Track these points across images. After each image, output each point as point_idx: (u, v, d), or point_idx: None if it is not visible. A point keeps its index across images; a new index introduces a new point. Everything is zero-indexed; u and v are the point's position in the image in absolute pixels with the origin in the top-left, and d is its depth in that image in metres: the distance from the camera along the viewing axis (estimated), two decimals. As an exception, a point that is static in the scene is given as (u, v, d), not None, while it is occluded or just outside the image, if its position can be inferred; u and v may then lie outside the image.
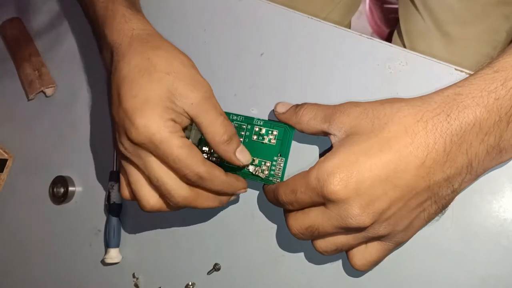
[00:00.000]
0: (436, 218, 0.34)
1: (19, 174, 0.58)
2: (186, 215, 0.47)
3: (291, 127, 0.38)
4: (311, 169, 0.33)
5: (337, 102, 0.35)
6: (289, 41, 0.43)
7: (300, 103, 0.38)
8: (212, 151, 0.41)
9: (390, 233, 0.33)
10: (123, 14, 0.40)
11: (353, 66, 0.40)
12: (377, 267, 0.36)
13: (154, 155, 0.35)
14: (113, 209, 0.49)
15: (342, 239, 0.34)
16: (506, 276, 0.35)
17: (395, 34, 0.65)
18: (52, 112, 0.57)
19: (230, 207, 0.45)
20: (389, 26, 1.33)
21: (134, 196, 0.39)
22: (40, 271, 0.55)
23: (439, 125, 0.30)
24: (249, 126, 0.40)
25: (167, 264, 0.47)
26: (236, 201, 0.44)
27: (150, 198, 0.38)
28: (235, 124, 0.41)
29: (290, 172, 0.38)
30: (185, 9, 0.49)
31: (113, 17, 0.39)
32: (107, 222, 0.50)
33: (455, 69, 0.37)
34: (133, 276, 0.49)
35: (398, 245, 0.35)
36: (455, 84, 0.32)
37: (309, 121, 0.36)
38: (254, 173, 0.39)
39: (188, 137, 0.40)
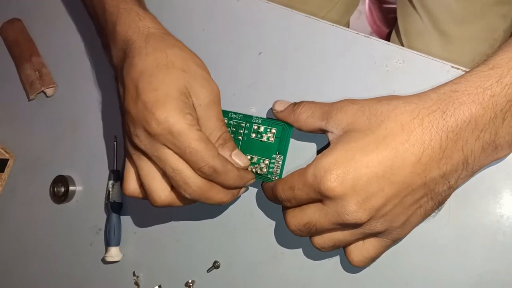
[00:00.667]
0: (433, 214, 0.35)
1: (20, 173, 0.58)
2: (186, 213, 0.47)
3: (289, 125, 0.38)
4: (308, 166, 0.33)
5: (335, 100, 0.36)
6: (287, 40, 0.44)
7: (298, 102, 0.38)
8: None
9: (387, 230, 0.33)
10: (137, 12, 0.40)
11: (350, 64, 0.41)
12: (374, 263, 0.36)
13: (171, 148, 0.36)
14: (113, 207, 0.50)
15: (339, 235, 0.34)
16: (503, 272, 0.35)
17: (393, 33, 0.66)
18: (53, 112, 0.57)
19: (229, 205, 0.45)
20: (388, 26, 1.34)
21: (144, 191, 0.39)
22: (41, 270, 0.55)
23: (435, 122, 0.31)
24: (247, 124, 0.40)
25: (167, 262, 0.48)
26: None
27: (162, 192, 0.38)
28: (234, 122, 0.41)
29: (288, 169, 0.38)
30: (184, 8, 0.49)
31: (127, 15, 0.40)
32: (107, 220, 0.50)
33: (452, 66, 0.37)
34: (134, 274, 0.49)
35: (395, 241, 0.35)
36: (451, 81, 0.32)
37: (307, 119, 0.36)
38: (253, 171, 0.39)
39: None
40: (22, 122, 0.59)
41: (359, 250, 0.35)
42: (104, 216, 0.52)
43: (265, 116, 0.43)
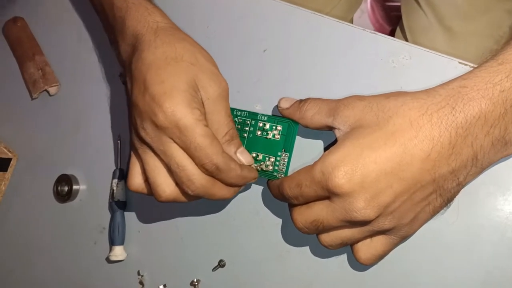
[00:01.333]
0: (441, 211, 0.34)
1: (23, 173, 0.58)
2: (191, 211, 0.47)
3: (295, 122, 0.38)
4: (316, 162, 0.33)
5: (341, 97, 0.35)
6: (292, 37, 0.43)
7: (303, 98, 0.38)
8: None
9: (395, 227, 0.33)
10: (146, 7, 0.40)
11: (356, 61, 0.40)
12: (382, 261, 0.36)
13: (176, 142, 0.35)
14: (117, 206, 0.50)
15: (347, 233, 0.34)
16: (511, 269, 0.35)
17: (398, 30, 0.65)
18: (56, 111, 0.57)
19: (235, 203, 0.45)
20: (391, 24, 1.33)
21: (149, 186, 0.39)
22: (45, 269, 0.55)
23: (444, 118, 0.30)
24: (253, 122, 0.40)
25: (172, 261, 0.47)
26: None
27: (167, 187, 0.38)
28: (239, 120, 0.41)
29: (294, 167, 0.38)
30: (188, 5, 0.49)
31: (136, 9, 0.40)
32: (112, 219, 0.50)
33: (459, 62, 0.37)
34: (138, 273, 0.49)
35: (403, 239, 0.35)
36: (460, 76, 0.32)
37: (313, 115, 0.36)
38: (258, 168, 0.39)
39: None
40: (25, 121, 0.59)
41: (366, 248, 0.35)
42: (108, 215, 0.51)
43: (270, 113, 0.43)
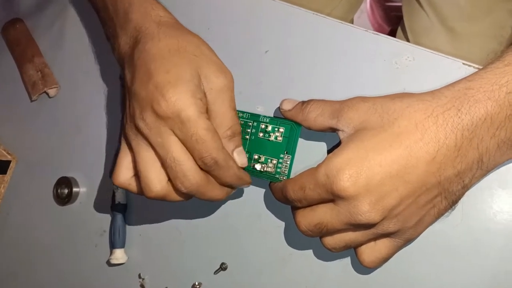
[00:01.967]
0: (446, 214, 0.34)
1: (22, 175, 0.58)
2: (192, 214, 0.46)
3: (298, 124, 0.38)
4: (319, 165, 0.33)
5: (344, 99, 0.35)
6: (293, 38, 0.43)
7: (306, 100, 0.37)
8: None
9: (399, 230, 0.33)
10: (150, 1, 0.40)
11: (359, 62, 0.40)
12: (385, 264, 0.36)
13: (176, 133, 0.35)
14: (118, 209, 0.49)
15: (351, 236, 0.34)
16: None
17: (399, 30, 0.65)
18: (55, 113, 0.57)
19: (237, 206, 0.44)
20: (390, 25, 1.33)
21: (138, 181, 0.38)
22: (45, 272, 0.54)
23: (450, 120, 0.30)
24: (255, 123, 0.40)
25: (173, 264, 0.47)
26: (239, 195, 0.44)
27: (159, 182, 0.36)
28: (241, 121, 0.40)
29: (296, 169, 0.37)
30: (189, 7, 0.49)
31: (140, 4, 0.40)
32: (112, 222, 0.49)
33: (463, 63, 0.36)
34: (139, 276, 0.49)
35: (408, 241, 0.34)
36: (465, 78, 0.31)
37: (316, 117, 0.36)
38: (261, 170, 0.39)
39: None
40: (24, 123, 0.59)
41: (370, 251, 0.34)
42: (109, 218, 0.51)
43: (272, 115, 0.43)
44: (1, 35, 0.62)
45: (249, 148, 0.40)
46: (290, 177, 0.38)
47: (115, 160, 0.39)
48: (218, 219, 0.45)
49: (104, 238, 0.51)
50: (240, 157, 0.38)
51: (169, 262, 0.47)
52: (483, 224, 0.36)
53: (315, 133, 0.39)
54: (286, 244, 0.42)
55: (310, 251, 0.41)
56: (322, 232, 0.34)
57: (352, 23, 0.74)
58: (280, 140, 0.39)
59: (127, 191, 0.50)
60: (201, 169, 0.36)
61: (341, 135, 0.34)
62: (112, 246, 0.49)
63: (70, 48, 0.57)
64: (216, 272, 0.45)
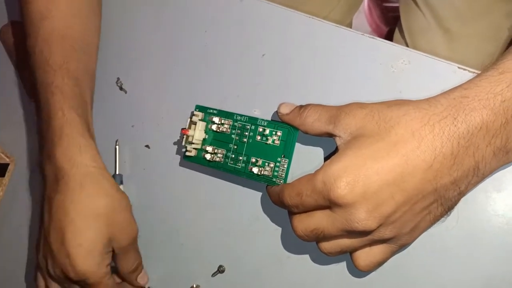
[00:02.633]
0: (442, 219, 0.34)
1: (21, 178, 0.58)
2: (190, 217, 0.47)
3: (295, 128, 0.38)
4: (317, 172, 0.33)
5: (340, 102, 0.35)
6: (290, 41, 0.43)
7: (304, 104, 0.37)
8: (215, 151, 0.41)
9: (395, 236, 0.33)
10: (79, 144, 0.43)
11: (355, 65, 0.40)
12: (381, 268, 0.36)
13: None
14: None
15: (347, 242, 0.34)
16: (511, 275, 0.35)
17: (397, 31, 0.65)
18: (54, 116, 0.57)
19: (234, 209, 0.45)
20: (388, 25, 1.33)
21: None
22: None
23: (446, 129, 0.30)
24: (253, 127, 0.40)
25: (171, 267, 0.47)
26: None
27: None
28: (239, 124, 0.40)
29: (294, 173, 0.38)
30: (186, 10, 0.49)
31: (68, 143, 0.42)
32: (110, 225, 0.49)
33: (458, 67, 0.37)
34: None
35: (403, 246, 0.35)
36: (460, 86, 0.32)
37: (314, 122, 0.36)
38: (258, 174, 0.39)
39: (192, 136, 0.41)
40: (22, 125, 0.59)
41: (366, 255, 0.35)
42: (107, 220, 0.51)
43: (270, 119, 0.43)
44: (0, 38, 0.62)
45: (246, 151, 0.40)
46: (287, 180, 0.38)
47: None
48: (216, 222, 0.45)
49: (103, 241, 0.51)
50: (142, 278, 0.47)
51: (167, 264, 0.48)
52: (478, 227, 0.36)
53: (312, 138, 0.39)
54: (284, 247, 0.42)
55: (308, 254, 0.41)
56: (319, 238, 0.34)
57: (351, 25, 0.74)
58: (278, 144, 0.39)
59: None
60: None
61: (338, 141, 0.34)
62: (110, 249, 0.49)
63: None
64: (213, 274, 0.45)
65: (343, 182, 0.31)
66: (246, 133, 0.40)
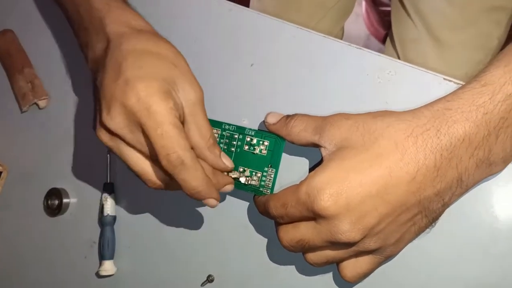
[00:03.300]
0: (427, 230, 0.34)
1: (13, 186, 0.58)
2: (179, 226, 0.47)
3: (282, 138, 0.38)
4: (301, 183, 0.33)
5: (327, 112, 0.35)
6: (279, 51, 0.43)
7: (291, 114, 0.37)
8: None
9: (380, 247, 0.33)
10: (131, 11, 0.39)
11: (342, 76, 0.40)
12: (367, 278, 0.36)
13: (143, 129, 0.33)
14: (107, 221, 0.49)
15: (332, 253, 0.34)
16: (495, 285, 0.35)
17: (388, 40, 0.65)
18: (46, 124, 0.57)
19: (223, 218, 0.45)
20: (385, 28, 1.33)
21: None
22: (35, 284, 0.55)
23: (429, 141, 0.30)
24: (240, 136, 0.40)
25: (161, 276, 0.47)
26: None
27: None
28: (227, 134, 0.41)
29: (281, 183, 0.38)
30: (175, 19, 0.49)
31: (120, 12, 0.39)
32: (101, 234, 0.50)
33: (444, 78, 0.37)
34: (128, 288, 0.49)
35: (388, 257, 0.35)
36: (444, 98, 0.32)
37: (300, 132, 0.36)
38: (245, 183, 0.39)
39: None
40: (15, 134, 0.59)
41: (352, 266, 0.35)
42: (98, 229, 0.51)
43: (257, 128, 0.43)
44: (-8, 46, 0.62)
45: (234, 160, 0.40)
46: (274, 190, 0.38)
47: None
48: (205, 231, 0.45)
49: (94, 250, 0.51)
50: (227, 159, 0.38)
51: (157, 274, 0.48)
52: (463, 238, 0.36)
53: (300, 148, 0.39)
54: (272, 256, 0.42)
55: (296, 263, 0.41)
56: (304, 249, 0.34)
57: (343, 31, 0.74)
58: (265, 154, 0.39)
59: (116, 203, 0.50)
60: (165, 173, 0.35)
61: (323, 152, 0.34)
62: (101, 257, 0.49)
63: (59, 59, 0.58)
64: (203, 284, 0.45)
65: (327, 194, 0.31)
66: (234, 142, 0.40)
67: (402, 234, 0.33)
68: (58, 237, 0.54)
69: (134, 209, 0.50)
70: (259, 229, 0.43)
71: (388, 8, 1.29)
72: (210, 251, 0.45)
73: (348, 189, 0.31)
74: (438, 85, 0.37)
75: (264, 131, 0.39)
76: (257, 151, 0.39)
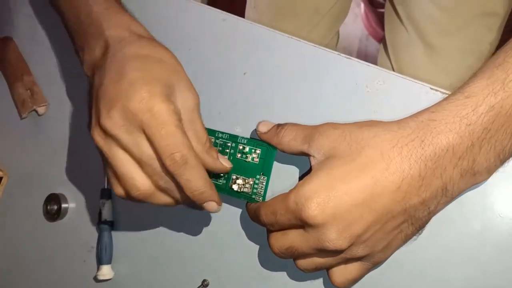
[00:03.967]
0: (414, 237, 0.35)
1: (13, 191, 0.59)
2: (175, 231, 0.48)
3: (273, 147, 0.39)
4: (290, 191, 0.34)
5: (318, 120, 0.36)
6: (271, 60, 0.44)
7: (282, 123, 0.38)
8: None
9: (368, 254, 0.34)
10: (130, 17, 0.40)
11: (332, 85, 0.41)
12: (358, 284, 0.37)
13: (145, 130, 0.34)
14: (105, 226, 0.50)
15: (321, 260, 0.35)
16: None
17: (381, 46, 0.66)
18: (45, 130, 0.58)
19: (218, 223, 0.45)
20: (384, 29, 1.34)
21: (121, 183, 0.36)
22: (36, 287, 0.56)
23: (414, 151, 0.31)
24: (233, 144, 0.41)
25: (157, 280, 0.48)
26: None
27: (145, 180, 0.36)
28: (220, 142, 0.41)
29: (273, 190, 0.39)
30: (170, 28, 0.50)
31: (119, 18, 0.39)
32: (99, 239, 0.51)
33: (431, 88, 0.37)
34: (125, 292, 0.50)
35: (377, 264, 0.35)
36: (428, 109, 0.33)
37: (290, 141, 0.37)
38: (238, 190, 0.40)
39: None
40: (15, 140, 0.60)
41: (341, 272, 0.36)
42: (96, 234, 0.52)
43: (250, 136, 0.44)
44: (-8, 53, 0.63)
45: None
46: (266, 198, 0.39)
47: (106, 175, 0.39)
48: (200, 236, 0.46)
49: (92, 254, 0.52)
50: (224, 160, 0.39)
51: (154, 278, 0.48)
52: (451, 246, 0.37)
53: (291, 156, 0.40)
54: (266, 262, 0.43)
55: (289, 269, 0.42)
56: (294, 255, 0.35)
57: (339, 35, 0.75)
58: (257, 162, 0.40)
59: (113, 208, 0.51)
60: (168, 173, 0.35)
61: (312, 161, 0.35)
62: (99, 262, 0.50)
63: (58, 66, 0.59)
64: (198, 288, 0.46)
65: (314, 203, 0.32)
66: (227, 151, 0.41)
67: (389, 242, 0.34)
68: (57, 241, 0.55)
69: (131, 215, 0.51)
70: (253, 235, 0.44)
71: (386, 10, 1.30)
72: (205, 256, 0.46)
73: (335, 198, 0.32)
74: (425, 95, 0.37)
75: (256, 139, 0.40)
76: (249, 159, 0.40)
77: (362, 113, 0.39)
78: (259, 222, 0.37)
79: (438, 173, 0.31)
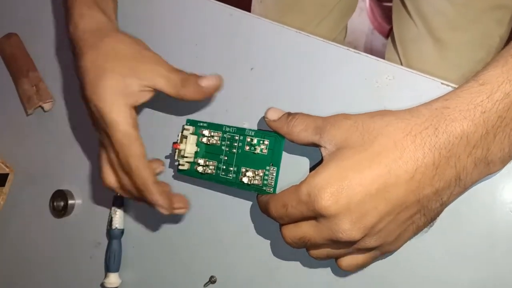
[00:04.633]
0: (425, 229, 0.35)
1: (20, 188, 0.59)
2: (183, 227, 0.47)
3: (281, 136, 0.38)
4: (301, 183, 0.33)
5: (326, 115, 0.36)
6: (278, 55, 0.44)
7: (292, 112, 0.37)
8: (207, 163, 0.42)
9: (380, 245, 0.34)
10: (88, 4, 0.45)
11: (341, 80, 0.41)
12: (366, 276, 0.36)
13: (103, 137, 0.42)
14: (115, 234, 0.50)
15: (333, 250, 0.35)
16: (494, 286, 0.36)
17: (389, 41, 0.65)
18: (51, 127, 0.58)
19: (225, 219, 0.45)
20: (389, 23, 1.33)
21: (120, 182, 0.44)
22: (42, 284, 0.56)
23: (428, 139, 0.31)
24: (241, 137, 0.40)
25: (164, 277, 0.48)
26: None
27: (111, 176, 0.44)
28: (228, 136, 0.41)
29: (283, 182, 0.38)
30: (177, 24, 0.49)
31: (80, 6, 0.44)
32: (108, 247, 0.50)
33: (441, 83, 0.37)
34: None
35: (386, 253, 0.35)
36: (442, 97, 0.32)
37: (300, 132, 0.36)
38: (248, 183, 0.39)
39: (184, 149, 0.42)
40: (21, 136, 0.60)
41: (349, 257, 0.35)
42: (104, 229, 0.52)
43: (257, 127, 0.43)
44: (-2, 49, 0.63)
45: (236, 162, 0.40)
46: (277, 188, 0.38)
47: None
48: (208, 233, 0.46)
49: (99, 250, 0.52)
50: (209, 79, 0.42)
51: (159, 275, 0.48)
52: (461, 240, 0.36)
53: (301, 147, 0.39)
54: (274, 257, 0.43)
55: (298, 263, 0.42)
56: (307, 245, 0.35)
57: (346, 29, 0.74)
58: (266, 153, 0.39)
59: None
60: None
61: (323, 152, 0.35)
62: (107, 269, 0.50)
63: (64, 62, 0.58)
64: (205, 285, 0.46)
65: (327, 193, 0.31)
66: (236, 144, 0.41)
67: (401, 232, 0.33)
68: (64, 237, 0.55)
69: (138, 213, 0.51)
70: (262, 230, 0.44)
71: (391, 4, 1.29)
72: (213, 252, 0.46)
73: (348, 188, 0.31)
74: (436, 89, 0.37)
75: (263, 130, 0.39)
76: (258, 150, 0.39)
77: (372, 108, 0.39)
78: (269, 215, 0.37)
79: (452, 162, 0.31)
